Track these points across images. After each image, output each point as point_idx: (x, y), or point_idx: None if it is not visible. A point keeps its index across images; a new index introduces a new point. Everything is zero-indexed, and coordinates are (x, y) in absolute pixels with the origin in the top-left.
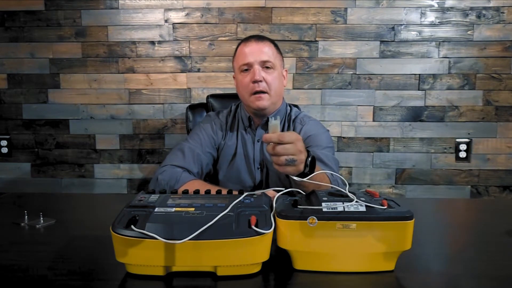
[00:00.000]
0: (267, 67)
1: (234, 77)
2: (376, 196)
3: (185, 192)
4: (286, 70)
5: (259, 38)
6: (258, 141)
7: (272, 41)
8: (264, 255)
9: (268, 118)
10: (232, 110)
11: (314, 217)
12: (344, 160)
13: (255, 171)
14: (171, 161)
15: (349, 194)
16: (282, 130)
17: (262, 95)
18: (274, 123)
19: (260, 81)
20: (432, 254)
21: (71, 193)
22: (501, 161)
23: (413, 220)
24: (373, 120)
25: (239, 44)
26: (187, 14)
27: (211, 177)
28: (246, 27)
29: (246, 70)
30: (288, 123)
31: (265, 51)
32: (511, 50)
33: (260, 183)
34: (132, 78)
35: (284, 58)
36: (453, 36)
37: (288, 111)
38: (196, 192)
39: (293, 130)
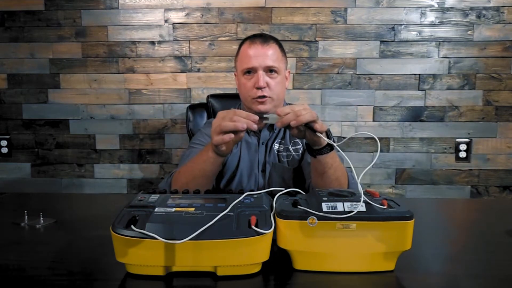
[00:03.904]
0: (271, 71)
1: (235, 75)
2: (376, 196)
3: (185, 192)
4: (289, 72)
5: (265, 39)
6: (262, 144)
7: (277, 42)
8: (264, 255)
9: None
10: None
11: (314, 217)
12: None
13: (258, 174)
14: (173, 171)
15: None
16: (284, 131)
17: (265, 100)
18: (273, 116)
19: (264, 87)
20: (432, 254)
21: (71, 193)
22: (501, 161)
23: (413, 220)
24: (373, 120)
25: (242, 43)
26: (187, 14)
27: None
28: (246, 27)
29: (249, 72)
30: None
31: (270, 55)
32: (511, 50)
33: (262, 187)
34: (132, 78)
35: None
36: (453, 36)
37: None
38: (196, 192)
39: None
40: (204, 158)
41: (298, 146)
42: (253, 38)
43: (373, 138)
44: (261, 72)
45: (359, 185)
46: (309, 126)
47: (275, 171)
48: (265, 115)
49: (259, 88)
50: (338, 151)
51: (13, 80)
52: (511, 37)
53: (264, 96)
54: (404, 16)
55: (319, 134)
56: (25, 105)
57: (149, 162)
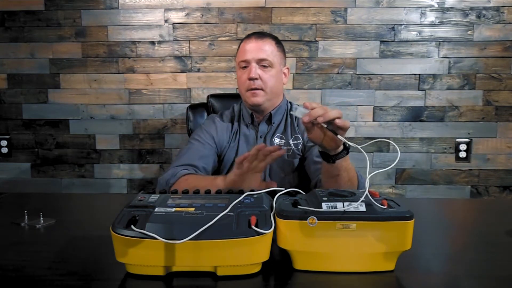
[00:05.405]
0: (264, 66)
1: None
2: (376, 196)
3: (185, 192)
4: (287, 68)
5: (260, 35)
6: (260, 137)
7: (275, 38)
8: (264, 255)
9: (270, 114)
10: (235, 111)
11: (314, 217)
12: None
13: None
14: (174, 164)
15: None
16: (285, 126)
17: (257, 92)
18: (300, 110)
19: (256, 78)
20: (432, 254)
21: (71, 193)
22: (501, 161)
23: (413, 220)
24: (373, 120)
25: (242, 41)
26: (187, 14)
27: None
28: (246, 27)
29: (245, 67)
30: (291, 118)
31: (264, 49)
32: (511, 50)
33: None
34: (132, 78)
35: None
36: (453, 36)
37: (289, 107)
38: (196, 192)
39: (296, 125)
40: (215, 184)
41: (299, 141)
42: (251, 34)
43: (373, 138)
44: (253, 64)
45: (367, 182)
46: (331, 129)
47: (275, 164)
48: (291, 111)
49: (251, 79)
50: (357, 150)
51: (13, 80)
52: (511, 37)
53: (256, 89)
54: (404, 16)
55: (340, 137)
56: (25, 105)
57: (149, 162)
